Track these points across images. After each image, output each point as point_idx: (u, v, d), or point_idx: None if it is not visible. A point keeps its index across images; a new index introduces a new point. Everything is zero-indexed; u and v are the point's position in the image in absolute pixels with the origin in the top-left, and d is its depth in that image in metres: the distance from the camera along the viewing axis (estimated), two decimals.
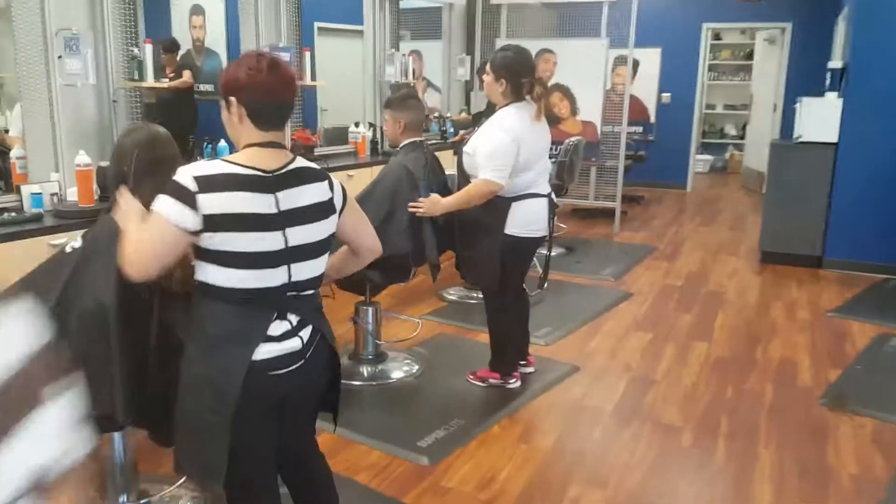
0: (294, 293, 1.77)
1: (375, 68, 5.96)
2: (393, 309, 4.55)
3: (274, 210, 1.71)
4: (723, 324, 4.63)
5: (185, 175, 1.65)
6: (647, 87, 8.48)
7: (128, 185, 1.98)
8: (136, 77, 3.86)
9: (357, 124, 5.75)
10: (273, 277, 1.72)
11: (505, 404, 3.42)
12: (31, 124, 3.46)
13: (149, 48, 3.88)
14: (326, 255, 1.86)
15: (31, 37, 3.36)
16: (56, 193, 3.44)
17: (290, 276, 1.75)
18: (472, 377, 3.63)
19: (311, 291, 1.83)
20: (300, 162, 1.81)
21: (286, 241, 1.73)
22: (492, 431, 3.18)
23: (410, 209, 3.24)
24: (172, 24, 5.83)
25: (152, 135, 2.11)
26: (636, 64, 7.80)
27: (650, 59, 8.42)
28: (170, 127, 2.17)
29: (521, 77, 3.17)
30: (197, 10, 5.32)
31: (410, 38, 6.98)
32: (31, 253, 2.76)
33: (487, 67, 3.26)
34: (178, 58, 5.19)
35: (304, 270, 1.78)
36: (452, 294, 5.04)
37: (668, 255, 6.37)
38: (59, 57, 3.38)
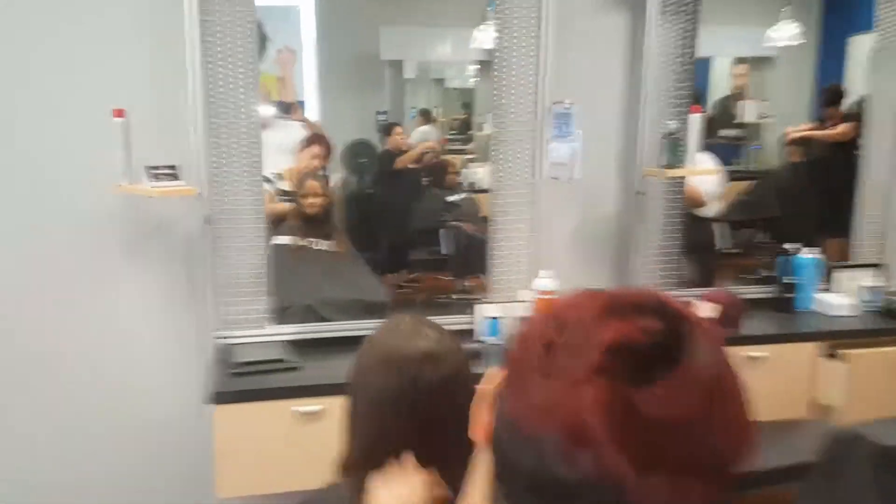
0: None
1: None
2: None
3: None
4: None
5: None
6: None
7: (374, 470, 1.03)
8: (666, 163, 2.59)
9: None
10: None
11: None
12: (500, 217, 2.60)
13: (692, 119, 2.56)
14: None
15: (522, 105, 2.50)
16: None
17: None
18: None
19: None
20: None
21: None
22: None
23: None
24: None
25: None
26: None
27: None
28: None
29: None
30: None
31: None
32: None
33: None
34: (841, 108, 3.54)
35: None
36: None
37: None
38: (549, 141, 2.42)
